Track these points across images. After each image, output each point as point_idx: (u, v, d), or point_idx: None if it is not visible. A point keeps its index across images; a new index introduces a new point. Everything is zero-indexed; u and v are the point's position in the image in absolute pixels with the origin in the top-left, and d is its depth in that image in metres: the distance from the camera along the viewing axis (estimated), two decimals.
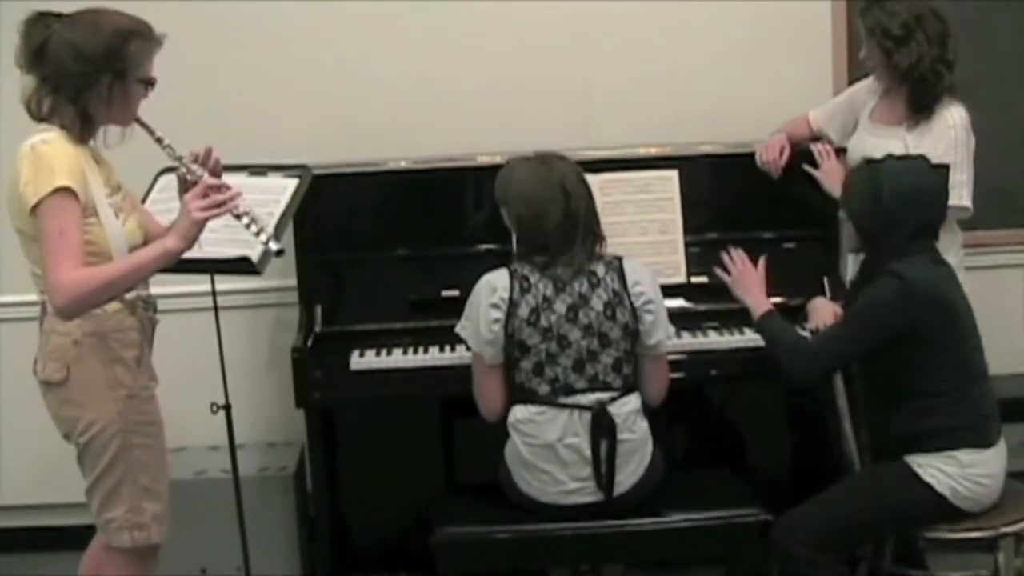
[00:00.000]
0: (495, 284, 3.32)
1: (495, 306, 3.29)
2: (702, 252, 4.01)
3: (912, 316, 3.23)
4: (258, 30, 4.43)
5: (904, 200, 3.25)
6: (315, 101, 4.45)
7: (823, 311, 3.68)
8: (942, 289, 3.29)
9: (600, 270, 3.33)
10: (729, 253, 3.76)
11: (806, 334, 3.59)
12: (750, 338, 3.81)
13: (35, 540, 4.64)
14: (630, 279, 3.34)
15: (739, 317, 3.84)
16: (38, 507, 4.63)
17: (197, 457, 4.28)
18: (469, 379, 3.56)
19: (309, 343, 3.86)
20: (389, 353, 3.85)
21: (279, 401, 4.46)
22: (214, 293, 3.75)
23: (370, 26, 4.44)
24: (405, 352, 3.85)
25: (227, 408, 3.74)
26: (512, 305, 3.28)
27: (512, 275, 3.33)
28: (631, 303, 3.32)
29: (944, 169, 3.45)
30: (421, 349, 3.86)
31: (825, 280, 4.03)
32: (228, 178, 3.34)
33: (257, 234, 3.01)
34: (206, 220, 2.93)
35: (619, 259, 3.39)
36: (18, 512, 4.67)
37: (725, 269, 3.77)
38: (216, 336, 3.77)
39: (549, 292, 3.30)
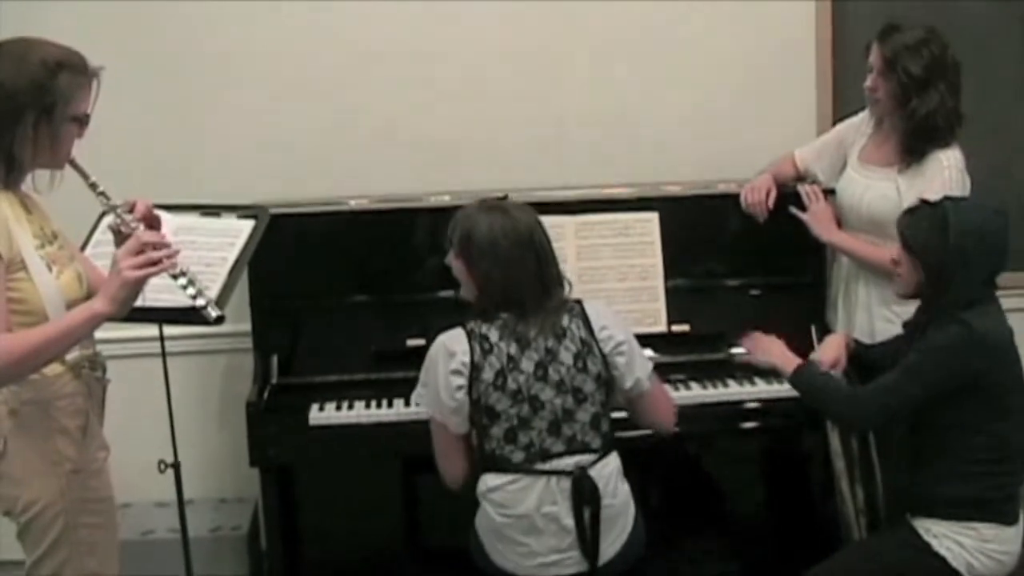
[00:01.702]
0: (452, 348, 3.06)
1: (456, 372, 3.04)
2: (683, 299, 3.83)
3: (976, 368, 3.05)
4: (208, 63, 4.21)
5: (973, 238, 3.07)
6: (271, 137, 4.23)
7: (831, 345, 3.52)
8: (1010, 345, 3.13)
9: (564, 319, 3.10)
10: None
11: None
12: (733, 391, 3.72)
13: None
14: (596, 324, 3.11)
15: (721, 368, 3.72)
16: None
17: (142, 515, 4.05)
18: None
19: (265, 396, 3.65)
20: (351, 407, 3.64)
21: (231, 454, 4.24)
22: (162, 338, 3.48)
23: (334, 58, 4.23)
24: (368, 406, 3.64)
25: (176, 466, 3.47)
26: (474, 369, 3.04)
27: (470, 336, 3.07)
28: (600, 350, 3.09)
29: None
30: (385, 402, 3.65)
31: (812, 329, 3.87)
32: (178, 219, 3.12)
33: (194, 297, 2.72)
34: (138, 281, 2.61)
35: (579, 303, 3.15)
36: None
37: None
38: (164, 384, 3.48)
39: (513, 351, 3.05)
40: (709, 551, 3.43)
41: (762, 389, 3.69)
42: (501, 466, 3.07)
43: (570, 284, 3.18)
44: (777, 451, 3.98)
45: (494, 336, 3.05)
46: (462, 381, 3.03)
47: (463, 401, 3.04)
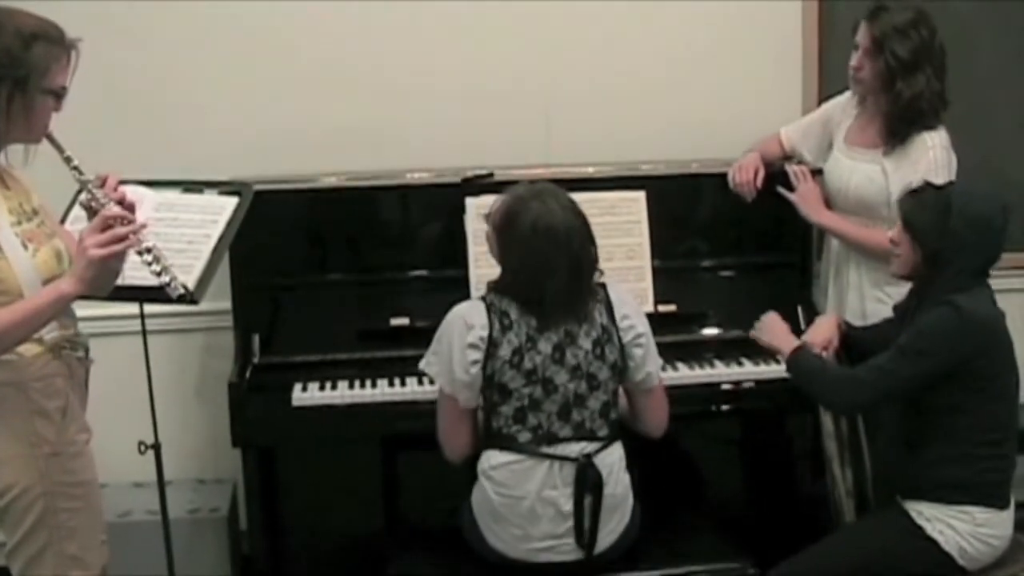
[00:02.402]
0: (471, 321, 2.99)
1: (473, 346, 2.97)
2: (669, 279, 3.78)
3: (967, 350, 3.04)
4: (185, 33, 4.10)
5: (974, 227, 3.05)
6: (256, 109, 4.13)
7: (823, 327, 3.49)
8: (1001, 329, 3.11)
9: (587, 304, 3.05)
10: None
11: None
12: (721, 371, 3.69)
13: None
14: (618, 312, 3.06)
15: (709, 349, 3.70)
16: None
17: (120, 496, 3.96)
18: (421, 415, 3.33)
19: (247, 375, 3.57)
20: (334, 387, 3.57)
21: (209, 434, 4.18)
22: (143, 317, 3.40)
23: (320, 31, 4.13)
24: (352, 386, 3.57)
25: (156, 447, 3.40)
26: (492, 344, 2.97)
27: (489, 309, 3.01)
28: (619, 339, 3.05)
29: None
30: (368, 382, 3.59)
31: (799, 309, 3.84)
32: (159, 195, 3.06)
33: (159, 274, 2.65)
34: (104, 259, 2.52)
35: (603, 287, 3.10)
36: None
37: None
38: (137, 363, 3.40)
39: (532, 330, 3.00)
40: (696, 533, 3.37)
41: (750, 370, 3.66)
42: (506, 445, 3.03)
43: (601, 271, 3.10)
44: (765, 432, 3.95)
45: (514, 313, 2.99)
46: (478, 356, 2.97)
47: (477, 376, 2.98)
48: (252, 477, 3.64)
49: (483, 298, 3.05)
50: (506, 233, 3.03)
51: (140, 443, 3.38)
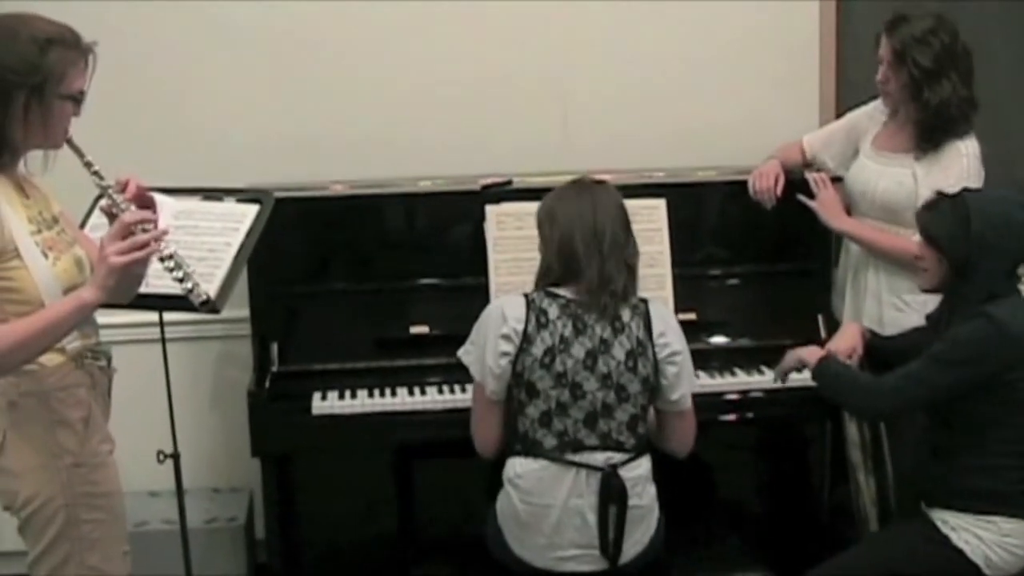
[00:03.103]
0: (508, 313, 3.01)
1: (506, 337, 2.98)
2: (689, 287, 3.75)
3: (1001, 361, 3.01)
4: (199, 42, 4.09)
5: (995, 228, 3.02)
6: (274, 118, 4.10)
7: (847, 334, 3.46)
8: None
9: (625, 314, 3.03)
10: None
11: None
12: (742, 380, 3.67)
13: None
14: (656, 328, 3.05)
15: (730, 357, 3.68)
16: None
17: (136, 505, 3.89)
18: (440, 424, 3.37)
19: (266, 384, 3.54)
20: (354, 396, 3.55)
21: (224, 443, 4.16)
22: (162, 325, 3.40)
23: (336, 39, 4.11)
24: (371, 395, 3.55)
25: (175, 457, 3.38)
26: (526, 340, 2.98)
27: (529, 305, 3.02)
28: (654, 355, 3.03)
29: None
30: (388, 391, 3.56)
31: (819, 317, 3.83)
32: (179, 203, 3.01)
33: (181, 281, 2.61)
34: (126, 266, 2.47)
35: (645, 303, 3.09)
36: None
37: None
38: (153, 371, 3.41)
39: (568, 332, 2.99)
40: (719, 543, 3.36)
41: (770, 378, 3.59)
42: (532, 450, 3.02)
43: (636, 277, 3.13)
44: (786, 441, 3.93)
45: (553, 312, 3.00)
46: (510, 348, 2.98)
47: (506, 369, 2.99)
48: (270, 486, 3.61)
49: (525, 295, 3.06)
50: (544, 226, 3.10)
51: (159, 452, 3.37)
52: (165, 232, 2.58)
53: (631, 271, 3.07)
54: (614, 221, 3.04)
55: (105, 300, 2.50)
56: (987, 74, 4.03)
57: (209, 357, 4.20)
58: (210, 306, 2.67)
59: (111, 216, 2.67)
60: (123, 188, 2.69)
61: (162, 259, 2.57)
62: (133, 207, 2.63)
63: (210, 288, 2.79)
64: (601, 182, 3.17)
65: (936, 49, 3.50)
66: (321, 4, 4.07)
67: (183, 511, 3.46)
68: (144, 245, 2.49)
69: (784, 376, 3.45)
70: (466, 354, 3.11)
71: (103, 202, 2.70)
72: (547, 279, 3.08)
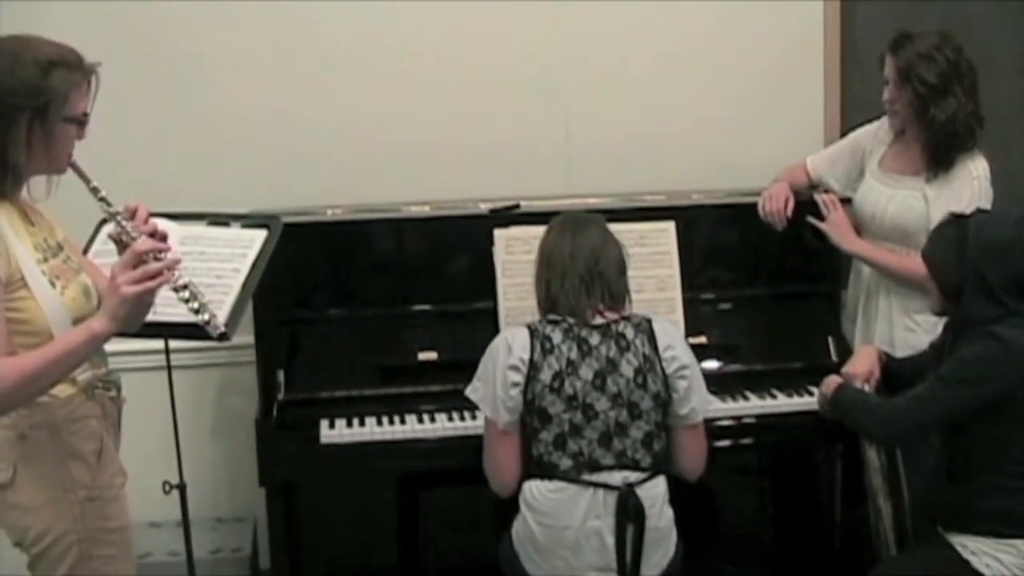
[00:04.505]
0: (513, 343, 3.02)
1: (514, 368, 2.99)
2: (699, 311, 3.73)
3: (1011, 381, 2.98)
4: (201, 67, 4.04)
5: (991, 253, 2.99)
6: (278, 143, 4.06)
7: (864, 357, 3.43)
8: None
9: (629, 332, 3.04)
10: None
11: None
12: (755, 404, 3.63)
13: None
14: (661, 343, 3.06)
15: (741, 381, 3.65)
16: None
17: (138, 537, 3.76)
18: (450, 453, 3.33)
19: (274, 412, 3.49)
20: (362, 423, 3.49)
21: (227, 472, 4.11)
22: (168, 353, 3.33)
23: (341, 64, 4.08)
24: (380, 422, 3.49)
25: (182, 488, 3.32)
26: (533, 368, 2.98)
27: (532, 334, 3.03)
28: (663, 369, 3.03)
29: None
30: (397, 419, 3.51)
31: (830, 339, 3.80)
32: (185, 228, 2.93)
33: (197, 312, 2.54)
34: (137, 296, 2.41)
35: (648, 320, 3.10)
36: None
37: None
38: (155, 399, 3.33)
39: (574, 355, 3.00)
40: (731, 567, 3.32)
41: (783, 402, 3.61)
42: (548, 473, 3.01)
43: (631, 300, 3.16)
44: (799, 465, 3.90)
45: (557, 337, 3.01)
46: (519, 378, 2.98)
47: (518, 400, 2.99)
48: (276, 516, 3.55)
49: (528, 325, 3.07)
50: (538, 257, 3.16)
51: (165, 483, 3.30)
52: (178, 261, 2.52)
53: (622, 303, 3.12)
54: (606, 269, 3.09)
55: (116, 331, 2.43)
56: (989, 90, 4.04)
57: (211, 385, 4.15)
58: (226, 337, 2.61)
59: (119, 243, 2.61)
60: (132, 215, 2.62)
61: (176, 289, 2.51)
62: (143, 235, 2.55)
63: (218, 316, 2.72)
64: (587, 215, 3.24)
65: (941, 66, 3.49)
66: (326, 25, 4.04)
67: (189, 543, 3.39)
68: (157, 274, 2.43)
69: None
70: (474, 391, 3.10)
71: (111, 229, 2.64)
72: (541, 306, 3.13)
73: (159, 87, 4.00)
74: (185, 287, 2.52)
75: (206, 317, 2.54)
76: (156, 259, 2.46)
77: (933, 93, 3.49)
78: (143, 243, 2.49)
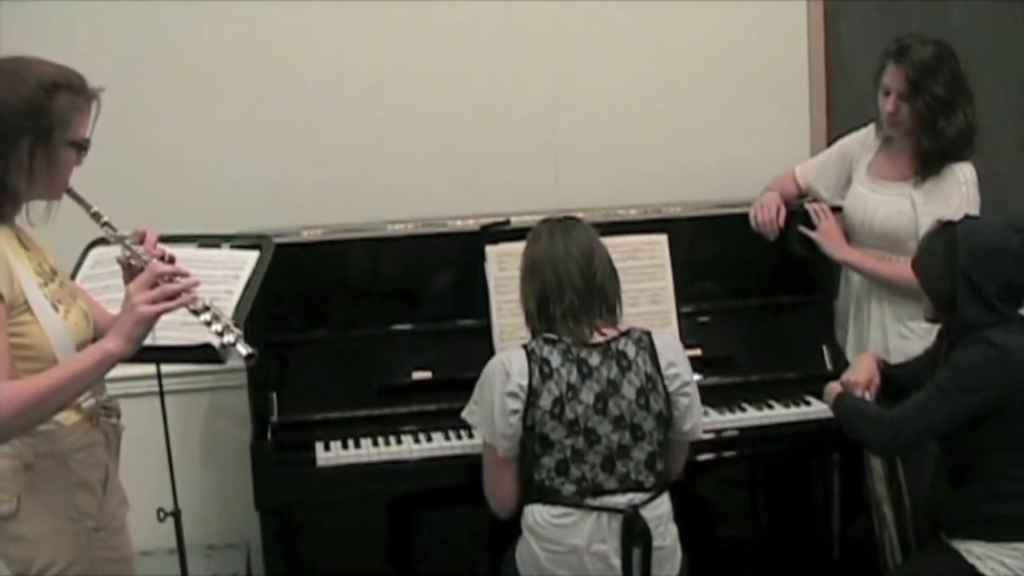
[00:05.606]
0: (510, 368, 2.94)
1: (512, 395, 2.92)
2: (693, 323, 3.71)
3: (1006, 386, 2.98)
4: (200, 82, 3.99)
5: (982, 261, 3.00)
6: (262, 160, 4.01)
7: (864, 365, 3.40)
8: None
9: (630, 350, 2.99)
10: None
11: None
12: (753, 415, 3.60)
13: None
14: (663, 359, 3.00)
15: (738, 393, 3.64)
16: None
17: None
18: (448, 471, 3.30)
19: (268, 436, 3.44)
20: (358, 445, 3.44)
21: (218, 497, 4.04)
22: (160, 377, 3.29)
23: (330, 84, 4.04)
24: (376, 443, 3.45)
25: (176, 515, 3.27)
26: (532, 394, 2.91)
27: (530, 357, 2.95)
28: (665, 388, 2.99)
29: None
30: (393, 439, 3.47)
31: (824, 348, 3.78)
32: (174, 251, 2.88)
33: (221, 333, 2.47)
34: (156, 317, 2.39)
35: (648, 335, 3.04)
36: None
37: None
38: (145, 425, 3.23)
39: (574, 379, 2.93)
40: None
41: (779, 413, 3.59)
42: (550, 498, 2.95)
43: (622, 310, 3.09)
44: (798, 476, 3.88)
45: (556, 360, 2.94)
46: (518, 405, 2.91)
47: (517, 427, 2.92)
48: (270, 540, 3.49)
49: (524, 346, 2.99)
50: (523, 267, 3.09)
51: (159, 510, 3.25)
52: (197, 283, 2.47)
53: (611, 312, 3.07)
54: (595, 275, 3.03)
55: (130, 351, 2.38)
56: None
57: (200, 409, 4.08)
58: (253, 359, 2.50)
59: (128, 268, 2.57)
60: (140, 240, 2.57)
61: (196, 311, 2.45)
62: (155, 259, 2.52)
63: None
64: (572, 219, 3.17)
65: (946, 76, 3.48)
66: (307, 47, 4.00)
67: (185, 571, 3.35)
68: (175, 295, 2.40)
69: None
70: (471, 414, 3.05)
71: (120, 254, 2.58)
72: (531, 323, 3.07)
73: (137, 119, 3.89)
74: (207, 308, 2.47)
75: (231, 339, 2.46)
76: (171, 281, 2.43)
77: (943, 106, 3.48)
78: (163, 265, 2.47)
